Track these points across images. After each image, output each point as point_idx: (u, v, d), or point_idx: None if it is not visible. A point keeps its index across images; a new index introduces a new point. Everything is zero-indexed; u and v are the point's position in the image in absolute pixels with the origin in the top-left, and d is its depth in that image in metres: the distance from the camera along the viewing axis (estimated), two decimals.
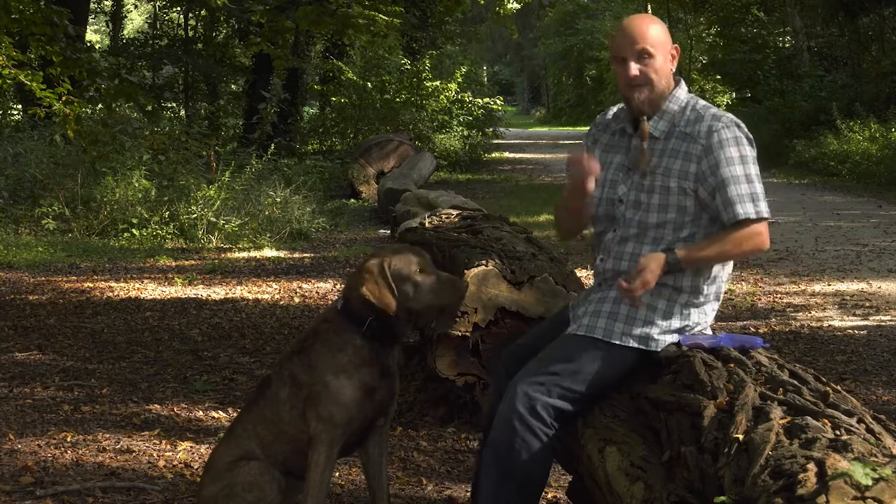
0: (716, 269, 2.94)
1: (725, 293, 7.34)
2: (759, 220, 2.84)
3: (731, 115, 2.94)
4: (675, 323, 2.89)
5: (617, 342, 2.85)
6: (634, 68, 2.91)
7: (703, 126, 2.90)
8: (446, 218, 6.05)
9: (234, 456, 2.95)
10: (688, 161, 2.89)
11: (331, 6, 7.78)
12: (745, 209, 2.82)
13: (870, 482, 1.80)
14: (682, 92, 2.99)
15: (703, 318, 2.94)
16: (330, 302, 7.38)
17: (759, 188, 2.85)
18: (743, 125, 2.92)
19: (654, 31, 2.95)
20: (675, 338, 2.89)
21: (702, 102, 2.99)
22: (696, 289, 2.90)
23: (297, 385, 2.93)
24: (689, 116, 2.93)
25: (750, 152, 2.88)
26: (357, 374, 2.90)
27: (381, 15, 8.18)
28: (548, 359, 2.87)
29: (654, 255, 2.84)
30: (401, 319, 2.95)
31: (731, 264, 3.02)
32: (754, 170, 2.87)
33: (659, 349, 2.87)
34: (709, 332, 2.98)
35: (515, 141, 30.37)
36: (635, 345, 2.86)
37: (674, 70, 2.98)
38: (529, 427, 2.76)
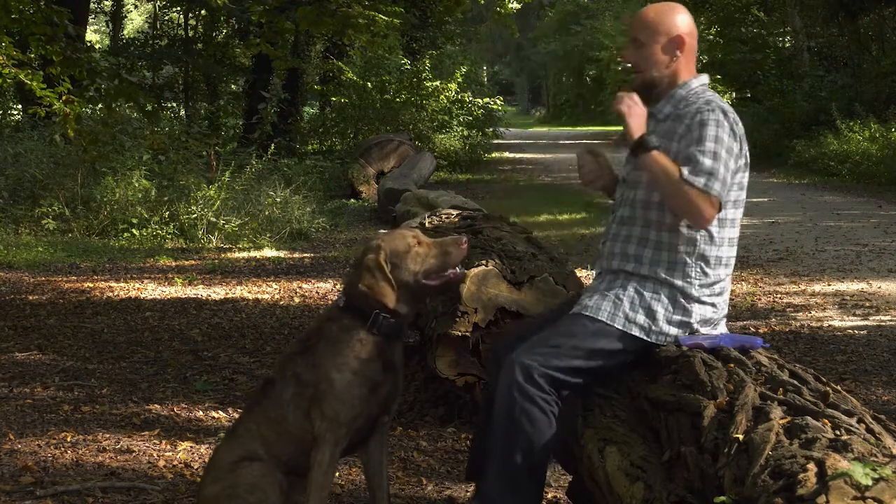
0: (712, 271, 2.93)
1: None
2: (704, 192, 2.81)
3: (723, 104, 2.94)
4: (678, 316, 2.90)
5: (619, 327, 2.88)
6: (627, 55, 3.07)
7: (692, 108, 2.95)
8: (446, 218, 6.04)
9: (236, 456, 2.93)
10: (670, 140, 2.95)
11: (331, 6, 7.77)
12: (693, 175, 2.81)
13: (870, 482, 1.80)
14: (697, 82, 3.03)
15: (707, 313, 2.93)
16: (330, 302, 7.38)
17: (719, 169, 2.83)
18: (731, 114, 2.92)
19: (650, 19, 3.03)
20: (678, 332, 2.89)
21: (710, 93, 3.01)
22: (689, 283, 2.91)
23: (302, 385, 2.91)
24: (689, 101, 2.99)
25: (727, 139, 2.86)
26: (362, 371, 2.90)
27: (381, 15, 8.17)
28: (549, 335, 2.92)
29: (642, 121, 2.94)
30: (408, 305, 2.96)
31: (728, 266, 3.00)
32: (724, 155, 2.84)
33: (661, 342, 2.88)
34: (722, 328, 2.98)
35: (515, 141, 30.38)
36: (637, 333, 2.88)
37: (678, 57, 3.00)
38: (528, 395, 2.79)
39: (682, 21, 3.03)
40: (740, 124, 2.95)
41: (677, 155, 2.90)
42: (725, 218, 2.94)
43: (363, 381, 2.89)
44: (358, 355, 2.90)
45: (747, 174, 2.99)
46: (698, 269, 2.92)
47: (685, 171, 2.83)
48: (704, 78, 3.07)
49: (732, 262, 3.02)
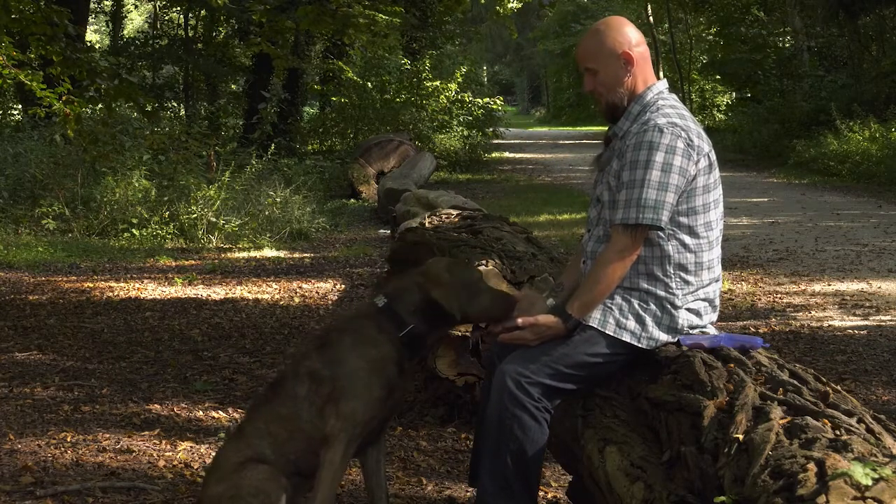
0: (694, 278, 2.92)
1: (725, 293, 7.36)
2: (629, 233, 2.82)
3: (668, 120, 2.87)
4: (666, 322, 2.90)
5: (611, 333, 2.88)
6: (586, 84, 3.05)
7: (636, 126, 2.92)
8: (446, 218, 6.05)
9: (243, 457, 2.89)
10: (616, 158, 2.95)
11: (331, 6, 7.78)
12: (624, 213, 2.84)
13: (870, 482, 1.80)
14: (651, 93, 2.98)
15: (696, 319, 2.94)
16: (331, 302, 7.39)
17: (644, 195, 2.80)
18: (669, 128, 2.84)
19: (592, 46, 3.00)
20: (668, 337, 2.90)
21: (663, 104, 2.94)
22: (672, 294, 2.91)
23: (318, 381, 2.88)
24: (641, 118, 2.94)
25: (660, 158, 2.81)
26: (385, 372, 2.90)
27: (381, 15, 8.19)
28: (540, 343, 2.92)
29: (548, 318, 2.90)
30: (443, 327, 3.05)
31: (711, 269, 2.97)
32: (656, 176, 2.81)
33: (651, 347, 2.89)
34: (710, 331, 2.98)
35: (515, 141, 30.38)
36: (628, 339, 2.88)
37: (629, 74, 2.96)
38: (519, 403, 2.81)
39: (624, 36, 2.98)
40: (689, 130, 2.86)
41: (619, 172, 2.89)
42: (696, 224, 2.91)
43: (384, 382, 2.89)
44: (385, 357, 2.90)
45: (713, 174, 2.92)
46: (678, 279, 2.91)
47: (618, 215, 2.85)
48: (660, 85, 3.00)
49: (716, 263, 2.99)
